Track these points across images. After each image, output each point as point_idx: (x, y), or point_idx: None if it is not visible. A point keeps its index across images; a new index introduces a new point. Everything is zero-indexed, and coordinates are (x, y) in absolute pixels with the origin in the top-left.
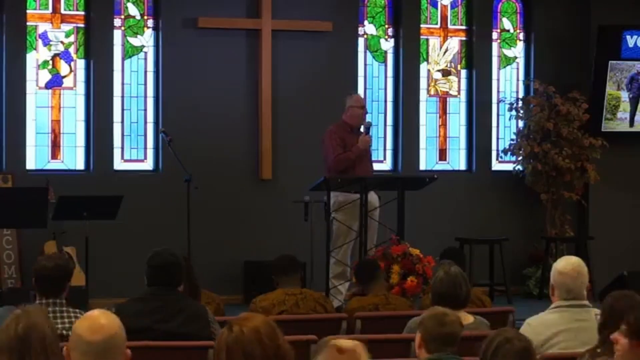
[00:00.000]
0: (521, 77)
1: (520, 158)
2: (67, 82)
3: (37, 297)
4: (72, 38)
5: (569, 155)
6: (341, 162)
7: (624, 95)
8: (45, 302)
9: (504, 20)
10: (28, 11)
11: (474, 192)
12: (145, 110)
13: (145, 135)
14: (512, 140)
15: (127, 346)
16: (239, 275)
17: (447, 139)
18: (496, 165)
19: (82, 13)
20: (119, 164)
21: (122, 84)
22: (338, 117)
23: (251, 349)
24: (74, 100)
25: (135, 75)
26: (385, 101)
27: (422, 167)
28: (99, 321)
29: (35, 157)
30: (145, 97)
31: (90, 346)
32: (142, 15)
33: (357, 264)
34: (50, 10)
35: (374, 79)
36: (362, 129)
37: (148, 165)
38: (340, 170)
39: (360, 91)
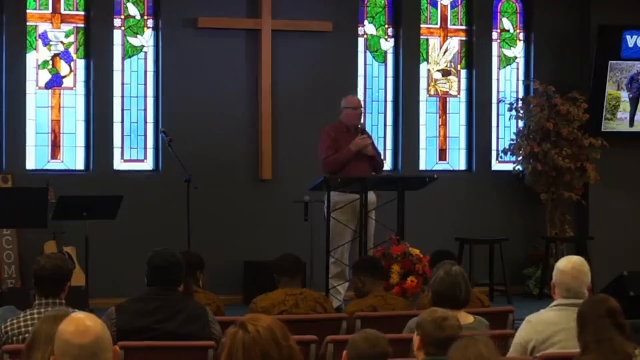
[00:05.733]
0: (521, 77)
1: (520, 158)
2: (67, 82)
3: (37, 297)
4: (72, 38)
5: (569, 155)
6: (330, 164)
7: (624, 95)
8: (44, 302)
9: (504, 20)
10: (28, 11)
11: (474, 192)
12: (145, 110)
13: (145, 135)
14: (512, 140)
15: (127, 346)
16: (239, 275)
17: (447, 138)
18: (496, 165)
19: (82, 13)
20: (119, 164)
21: (122, 84)
22: (337, 118)
23: (269, 349)
24: (74, 100)
25: (135, 75)
26: (385, 101)
27: (422, 167)
28: (85, 323)
29: (35, 157)
30: (145, 97)
31: (82, 349)
32: (142, 15)
33: (359, 260)
34: (50, 10)
35: (374, 79)
36: (359, 133)
37: (148, 165)
38: (331, 172)
39: (360, 91)
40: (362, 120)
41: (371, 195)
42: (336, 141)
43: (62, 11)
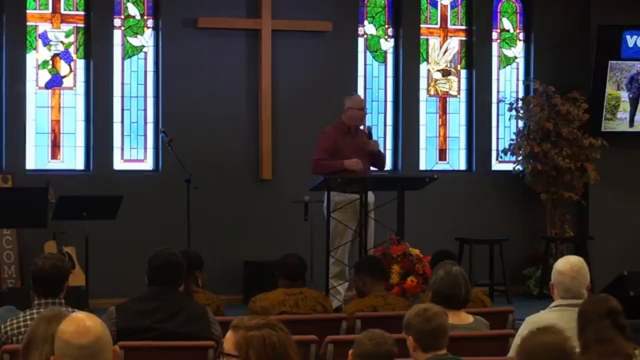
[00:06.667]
0: (521, 77)
1: (520, 158)
2: (67, 82)
3: (36, 297)
4: (72, 38)
5: (569, 155)
6: (319, 168)
7: (624, 95)
8: (44, 303)
9: (504, 20)
10: (28, 11)
11: (474, 192)
12: (145, 110)
13: (145, 135)
14: (512, 140)
15: (127, 346)
16: (239, 275)
17: (447, 139)
18: (496, 165)
19: (82, 13)
20: (119, 164)
21: (122, 84)
22: (338, 117)
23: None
24: (74, 100)
25: (135, 75)
26: (385, 101)
27: (422, 167)
28: (85, 323)
29: (35, 157)
30: (145, 97)
31: (82, 349)
32: (142, 15)
33: (360, 259)
34: (50, 10)
35: (374, 79)
36: (364, 134)
37: (148, 165)
38: (317, 174)
39: (360, 91)
40: (364, 122)
41: (370, 195)
42: (335, 143)
43: (62, 11)
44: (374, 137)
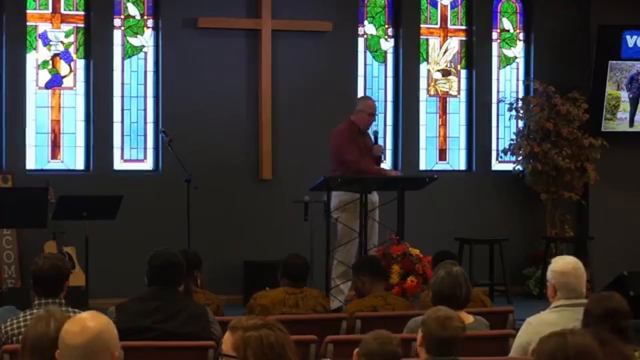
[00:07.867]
0: (521, 77)
1: (520, 158)
2: (67, 82)
3: (36, 297)
4: (72, 38)
5: (569, 155)
6: (359, 166)
7: (624, 95)
8: (44, 303)
9: (504, 20)
10: (28, 11)
11: (474, 192)
12: (145, 110)
13: (145, 135)
14: (512, 140)
15: (127, 346)
16: (239, 275)
17: (447, 139)
18: (496, 165)
19: (82, 13)
20: (118, 164)
21: (122, 84)
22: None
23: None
24: (74, 100)
25: (135, 75)
26: (385, 101)
27: (422, 167)
28: (86, 324)
29: (35, 157)
30: (145, 97)
31: (81, 349)
32: (142, 15)
33: (359, 260)
34: (50, 10)
35: (373, 79)
36: (370, 136)
37: (148, 165)
38: (359, 174)
39: (360, 91)
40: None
41: (374, 195)
42: (355, 141)
43: (62, 11)
44: (379, 142)
